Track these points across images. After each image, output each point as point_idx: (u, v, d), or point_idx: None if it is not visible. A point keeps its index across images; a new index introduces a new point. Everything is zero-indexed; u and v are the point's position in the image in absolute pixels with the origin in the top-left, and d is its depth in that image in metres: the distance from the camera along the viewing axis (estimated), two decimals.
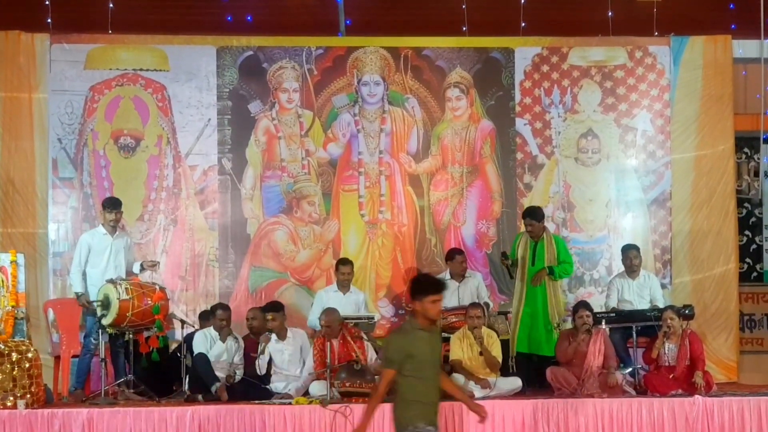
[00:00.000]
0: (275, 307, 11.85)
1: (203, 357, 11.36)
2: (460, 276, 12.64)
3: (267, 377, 11.48)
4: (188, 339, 11.76)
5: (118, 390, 11.17)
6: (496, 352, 11.46)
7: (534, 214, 12.37)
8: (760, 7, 13.65)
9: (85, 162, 13.51)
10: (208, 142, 13.67)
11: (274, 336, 11.51)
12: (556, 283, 12.17)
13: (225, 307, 11.91)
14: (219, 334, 11.58)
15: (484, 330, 11.55)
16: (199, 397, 11.06)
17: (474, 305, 11.72)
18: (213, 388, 11.09)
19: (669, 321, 11.42)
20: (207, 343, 11.53)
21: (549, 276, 12.11)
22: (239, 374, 11.45)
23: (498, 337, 11.68)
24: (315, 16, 14.06)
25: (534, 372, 11.83)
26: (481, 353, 11.36)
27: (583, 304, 11.77)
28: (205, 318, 12.17)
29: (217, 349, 11.50)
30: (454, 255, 12.78)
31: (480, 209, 13.87)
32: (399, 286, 13.64)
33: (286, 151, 13.74)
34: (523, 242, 12.23)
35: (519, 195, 13.84)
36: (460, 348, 11.48)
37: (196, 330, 11.96)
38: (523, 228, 12.53)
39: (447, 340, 11.96)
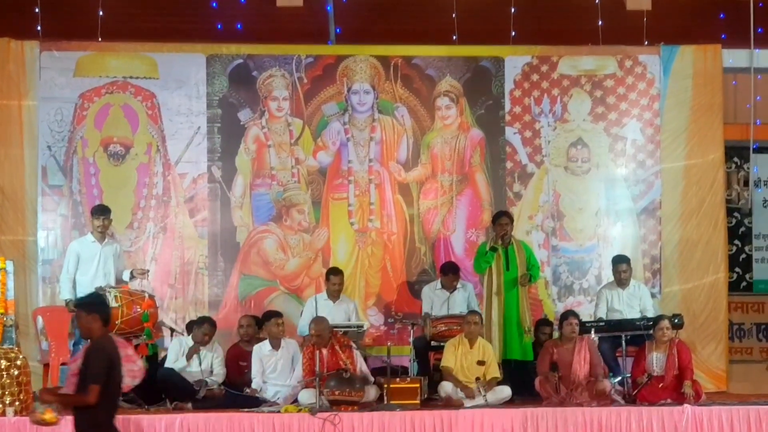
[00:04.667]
0: (279, 313, 11.97)
1: (171, 372, 11.39)
2: (451, 287, 12.63)
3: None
4: None
5: None
6: (494, 369, 11.44)
7: (508, 213, 12.67)
8: (750, 17, 13.69)
9: (74, 169, 13.49)
10: (197, 150, 13.65)
11: (267, 345, 11.54)
12: (526, 288, 12.23)
13: (212, 323, 11.87)
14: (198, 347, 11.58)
15: (482, 342, 11.55)
16: (189, 405, 11.04)
17: (472, 312, 11.77)
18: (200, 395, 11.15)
19: (665, 330, 11.44)
20: (180, 349, 11.55)
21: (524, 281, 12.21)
22: (214, 381, 11.45)
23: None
24: (305, 25, 14.07)
25: (519, 379, 11.82)
26: (479, 362, 11.33)
27: (571, 313, 11.78)
28: (192, 328, 12.14)
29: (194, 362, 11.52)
30: (448, 272, 12.73)
31: (469, 218, 13.87)
32: (388, 294, 13.65)
33: (276, 159, 13.73)
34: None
35: (509, 204, 13.81)
36: (454, 355, 11.45)
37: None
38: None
39: (436, 349, 12.00)
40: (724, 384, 13.51)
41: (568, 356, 11.37)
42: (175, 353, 11.56)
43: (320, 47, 14.05)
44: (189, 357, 11.47)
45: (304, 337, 11.98)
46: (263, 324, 11.96)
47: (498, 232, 12.27)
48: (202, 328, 11.65)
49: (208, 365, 11.56)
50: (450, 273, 12.67)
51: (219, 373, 11.60)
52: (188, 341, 11.66)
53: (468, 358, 11.42)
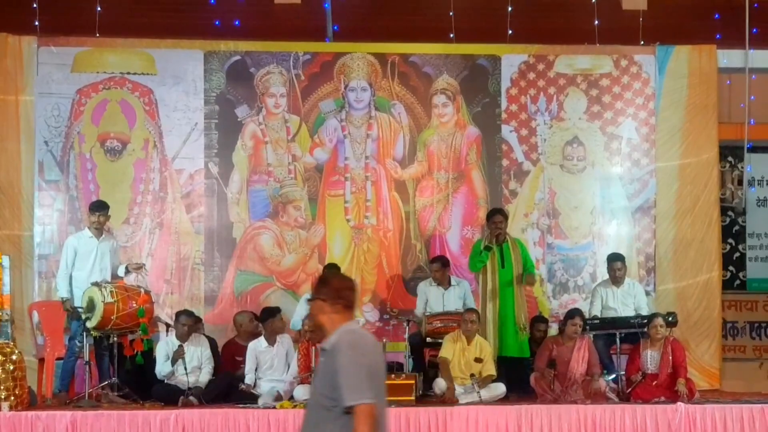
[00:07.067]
0: (280, 309, 12.15)
1: (162, 385, 11.39)
2: (446, 283, 12.66)
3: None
4: None
5: (102, 393, 11.14)
6: (489, 366, 11.47)
7: (503, 211, 12.74)
8: (745, 18, 13.76)
9: (71, 165, 13.50)
10: (194, 146, 13.67)
11: (263, 341, 11.58)
12: (521, 286, 12.30)
13: (189, 314, 11.85)
14: (180, 341, 11.56)
15: (480, 339, 11.57)
16: (191, 398, 11.03)
17: (470, 310, 11.80)
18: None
19: (658, 328, 11.49)
20: (168, 349, 11.55)
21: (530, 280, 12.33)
22: (205, 375, 11.49)
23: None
24: (302, 22, 14.07)
25: (515, 376, 11.87)
26: (476, 359, 11.37)
27: (578, 312, 11.78)
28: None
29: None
30: (434, 262, 12.89)
31: (465, 215, 13.90)
32: (384, 291, 13.67)
33: (273, 155, 13.75)
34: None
35: (504, 201, 13.84)
36: (452, 349, 11.46)
37: None
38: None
39: (432, 345, 12.04)
40: (717, 382, 13.56)
41: (567, 354, 11.42)
42: (163, 355, 11.53)
43: (318, 44, 14.06)
44: (174, 361, 11.41)
45: (299, 332, 12.02)
46: (265, 320, 11.96)
47: (492, 231, 12.30)
48: (180, 321, 11.62)
49: (198, 362, 11.53)
50: (434, 263, 12.76)
51: (207, 370, 11.55)
52: (174, 341, 11.59)
53: (465, 355, 11.44)
